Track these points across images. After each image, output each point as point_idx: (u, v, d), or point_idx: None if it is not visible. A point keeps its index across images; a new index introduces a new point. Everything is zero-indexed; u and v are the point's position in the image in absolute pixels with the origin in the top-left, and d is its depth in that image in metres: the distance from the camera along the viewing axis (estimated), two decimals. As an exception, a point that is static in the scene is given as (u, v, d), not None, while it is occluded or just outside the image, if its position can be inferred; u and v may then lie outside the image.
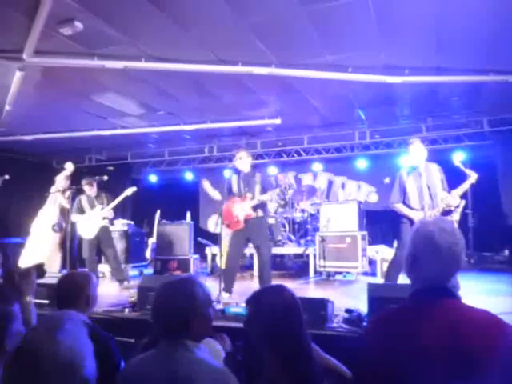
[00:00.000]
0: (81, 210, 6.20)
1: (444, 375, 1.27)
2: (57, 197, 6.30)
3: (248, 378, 1.65)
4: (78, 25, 3.94)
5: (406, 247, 1.56)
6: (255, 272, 7.10)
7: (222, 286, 4.88)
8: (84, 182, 6.24)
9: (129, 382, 1.59)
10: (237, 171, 5.19)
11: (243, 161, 5.10)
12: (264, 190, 5.04)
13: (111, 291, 5.82)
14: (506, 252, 7.56)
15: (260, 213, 5.04)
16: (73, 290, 2.15)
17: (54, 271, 5.45)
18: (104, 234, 6.22)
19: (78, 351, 1.10)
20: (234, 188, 5.13)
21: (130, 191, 6.33)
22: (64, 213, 6.29)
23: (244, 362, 1.81)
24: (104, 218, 6.19)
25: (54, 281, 4.01)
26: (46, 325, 1.12)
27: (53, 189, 6.38)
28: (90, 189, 6.25)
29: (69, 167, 6.48)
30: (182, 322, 1.62)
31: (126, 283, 6.11)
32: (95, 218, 6.13)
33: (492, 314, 1.35)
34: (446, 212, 4.19)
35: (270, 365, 1.65)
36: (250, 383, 1.66)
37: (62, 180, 6.40)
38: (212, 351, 1.83)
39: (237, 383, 1.55)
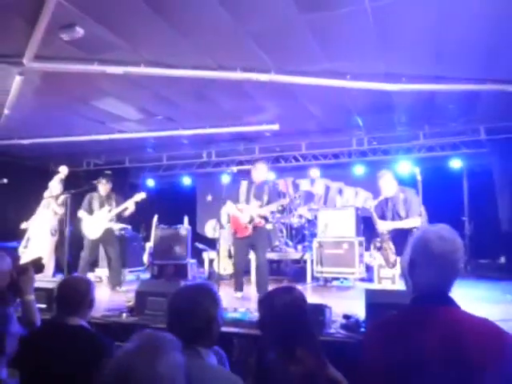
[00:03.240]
0: (90, 209, 6.22)
1: (443, 382, 1.29)
2: (50, 202, 6.30)
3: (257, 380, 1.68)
4: (79, 30, 3.95)
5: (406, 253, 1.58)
6: (252, 277, 7.11)
7: (234, 286, 5.38)
8: (102, 180, 6.29)
9: None
10: (250, 180, 5.43)
11: (259, 172, 5.36)
12: (270, 202, 5.33)
13: (108, 296, 5.81)
14: (502, 259, 7.59)
15: (263, 222, 5.37)
16: (76, 296, 2.15)
17: (47, 275, 5.44)
18: (108, 236, 6.26)
19: None
20: (242, 197, 5.38)
21: (138, 197, 6.34)
22: (58, 217, 6.30)
23: (256, 363, 1.85)
24: (110, 220, 6.21)
25: (51, 285, 4.06)
26: (142, 348, 1.06)
27: (47, 193, 6.37)
28: (104, 188, 6.30)
29: (63, 171, 6.48)
30: (203, 328, 1.63)
31: (117, 288, 6.12)
32: (102, 219, 6.15)
33: (491, 322, 1.37)
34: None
35: (279, 362, 1.70)
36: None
37: (55, 184, 6.39)
38: (218, 358, 1.84)
39: None
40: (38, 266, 2.61)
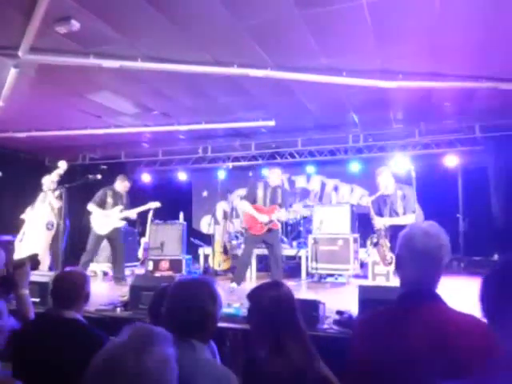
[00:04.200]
0: (103, 204, 6.27)
1: (430, 377, 1.29)
2: (47, 195, 6.29)
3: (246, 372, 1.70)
4: (75, 23, 3.93)
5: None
6: (248, 273, 7.14)
7: (233, 277, 5.70)
8: (122, 177, 6.52)
9: None
10: (266, 183, 5.88)
11: (274, 176, 5.82)
12: (284, 204, 5.84)
13: (102, 290, 5.82)
14: (496, 256, 7.63)
15: (279, 225, 5.94)
16: (71, 289, 2.15)
17: (43, 269, 5.44)
18: (116, 234, 6.44)
19: (164, 380, 1.06)
20: (260, 198, 5.81)
21: (153, 205, 6.63)
22: (55, 211, 6.29)
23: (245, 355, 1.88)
24: (121, 220, 6.30)
25: (45, 279, 4.06)
26: (131, 340, 1.08)
27: (44, 187, 6.36)
28: (123, 186, 6.44)
29: (62, 166, 6.47)
30: (197, 322, 1.64)
31: (123, 282, 6.18)
32: (113, 218, 6.22)
33: (477, 318, 1.37)
34: None
35: (268, 358, 1.72)
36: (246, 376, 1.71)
37: (54, 178, 6.38)
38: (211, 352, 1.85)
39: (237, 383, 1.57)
40: (33, 261, 2.62)
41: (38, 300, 3.84)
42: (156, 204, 6.61)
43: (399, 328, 1.41)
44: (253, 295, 1.93)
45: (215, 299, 1.74)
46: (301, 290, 5.98)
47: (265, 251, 7.43)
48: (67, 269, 2.63)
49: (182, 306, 1.66)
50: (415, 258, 1.47)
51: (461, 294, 4.94)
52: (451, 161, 8.10)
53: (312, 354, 1.77)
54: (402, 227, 4.80)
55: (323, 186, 10.15)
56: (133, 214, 6.47)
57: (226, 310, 3.75)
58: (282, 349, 1.72)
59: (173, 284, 1.78)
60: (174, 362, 1.11)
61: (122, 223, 6.43)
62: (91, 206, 6.26)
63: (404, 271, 1.51)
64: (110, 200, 6.34)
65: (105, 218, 6.23)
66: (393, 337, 1.40)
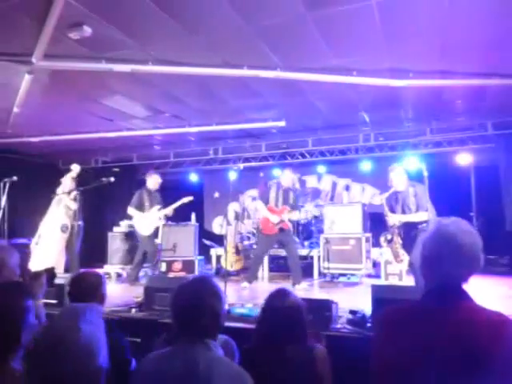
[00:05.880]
0: (141, 206, 6.41)
1: (457, 375, 1.27)
2: (62, 198, 6.38)
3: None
4: (87, 29, 3.99)
5: (418, 248, 1.55)
6: (259, 274, 7.17)
7: (245, 276, 5.95)
8: (152, 174, 6.66)
9: (148, 376, 1.59)
10: (278, 184, 6.12)
11: (285, 178, 6.07)
12: (296, 206, 6.11)
13: (117, 291, 5.88)
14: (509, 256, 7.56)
15: (290, 225, 6.20)
16: (88, 290, 2.19)
17: (59, 272, 5.52)
18: (154, 233, 6.64)
19: (96, 340, 1.21)
20: (272, 199, 6.03)
21: (186, 199, 6.80)
22: (69, 214, 6.38)
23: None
24: (160, 219, 6.45)
25: (61, 281, 4.11)
26: (69, 314, 1.25)
27: (59, 190, 6.46)
28: (155, 182, 6.60)
29: (75, 169, 6.57)
30: (212, 324, 1.66)
31: (137, 282, 6.30)
32: (152, 218, 6.39)
33: (506, 316, 1.36)
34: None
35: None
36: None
37: (68, 181, 6.47)
38: (226, 349, 1.87)
39: (252, 383, 1.59)
40: (50, 274, 2.70)
41: (55, 302, 3.90)
42: (189, 198, 6.82)
43: (427, 326, 1.38)
44: (268, 300, 2.15)
45: (220, 296, 1.75)
46: (313, 290, 5.98)
47: (277, 252, 7.48)
48: (83, 270, 2.68)
49: (193, 311, 1.66)
50: (459, 257, 1.43)
51: (476, 292, 4.93)
52: (463, 159, 8.03)
53: (312, 356, 1.89)
54: (414, 224, 4.82)
55: (334, 185, 10.14)
56: (170, 210, 6.68)
57: (239, 310, 3.78)
58: (284, 353, 1.89)
59: (175, 290, 1.76)
60: (102, 328, 1.28)
61: (162, 222, 6.61)
62: (131, 210, 6.48)
63: (440, 270, 1.46)
64: (147, 201, 6.57)
65: (145, 220, 6.39)
66: (420, 335, 1.38)
